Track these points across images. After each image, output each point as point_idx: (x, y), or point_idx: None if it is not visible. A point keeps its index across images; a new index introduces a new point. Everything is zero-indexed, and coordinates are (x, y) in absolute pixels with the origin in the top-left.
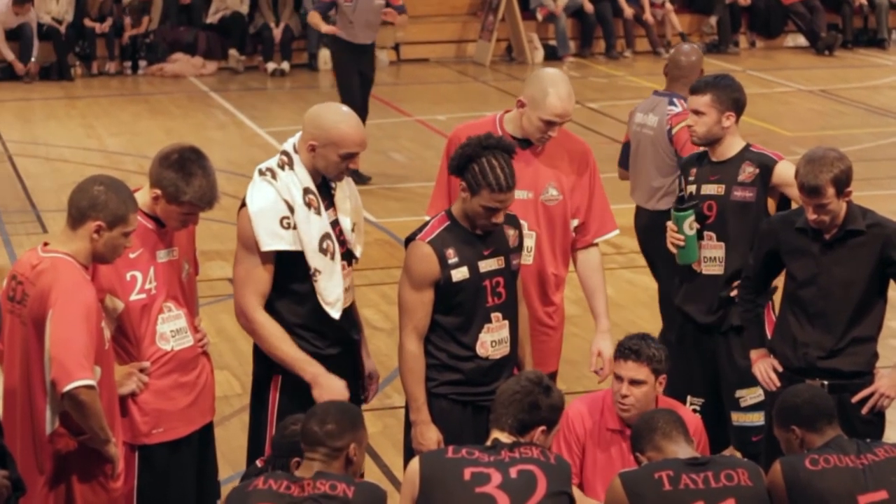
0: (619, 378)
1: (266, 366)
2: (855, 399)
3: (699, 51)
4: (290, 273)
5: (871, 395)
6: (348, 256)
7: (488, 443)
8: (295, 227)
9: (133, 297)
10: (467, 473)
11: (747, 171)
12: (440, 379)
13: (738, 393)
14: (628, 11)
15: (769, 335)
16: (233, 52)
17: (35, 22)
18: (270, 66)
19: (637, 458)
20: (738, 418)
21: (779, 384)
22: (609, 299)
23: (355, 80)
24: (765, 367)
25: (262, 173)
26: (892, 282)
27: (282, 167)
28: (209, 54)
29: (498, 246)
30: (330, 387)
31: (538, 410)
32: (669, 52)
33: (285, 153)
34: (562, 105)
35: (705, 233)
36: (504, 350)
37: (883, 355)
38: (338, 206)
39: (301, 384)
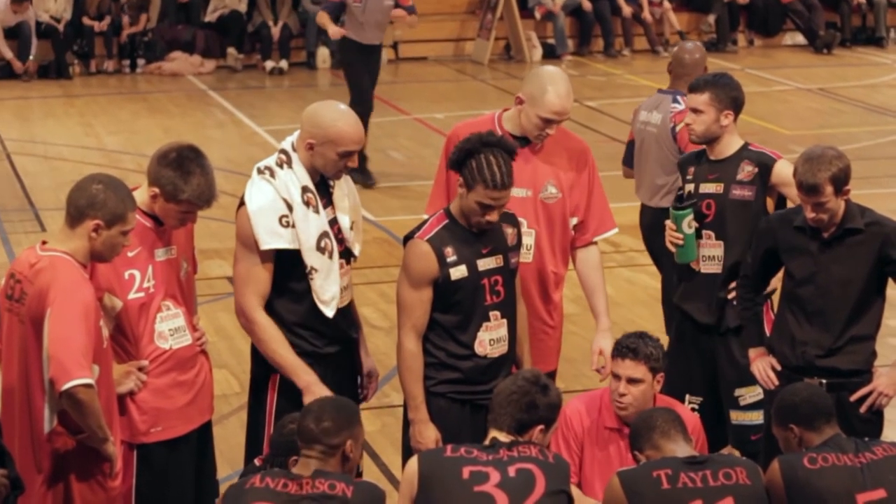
0: (616, 376)
1: (264, 365)
2: (853, 397)
3: (703, 49)
4: (289, 271)
5: (870, 393)
6: (347, 255)
7: (486, 442)
8: (294, 226)
9: (131, 295)
10: (466, 472)
11: (746, 170)
12: (438, 377)
13: (737, 391)
14: (627, 10)
15: (768, 333)
16: (231, 50)
17: (33, 20)
18: (269, 64)
19: (635, 457)
20: (736, 417)
21: (777, 383)
22: (608, 298)
23: (366, 79)
24: (763, 365)
25: (260, 172)
26: (890, 280)
27: (280, 166)
28: (207, 53)
29: (496, 244)
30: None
31: (536, 410)
32: (670, 51)
33: (284, 152)
34: (560, 103)
35: (704, 231)
36: (502, 348)
37: (881, 354)
38: (336, 204)
39: None
